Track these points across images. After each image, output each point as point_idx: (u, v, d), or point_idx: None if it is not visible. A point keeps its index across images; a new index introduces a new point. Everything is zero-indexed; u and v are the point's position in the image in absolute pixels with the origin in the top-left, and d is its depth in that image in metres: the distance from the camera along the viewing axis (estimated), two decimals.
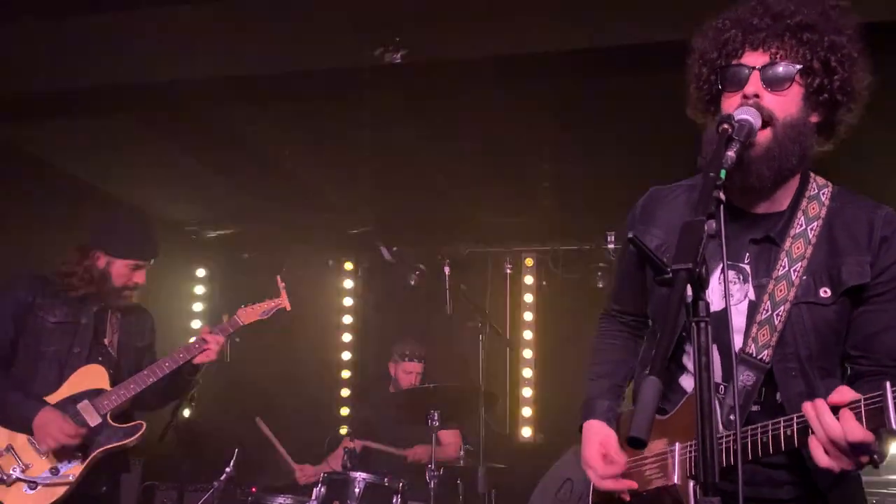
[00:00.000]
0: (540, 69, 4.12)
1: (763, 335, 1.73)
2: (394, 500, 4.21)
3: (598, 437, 1.94)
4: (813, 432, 1.51)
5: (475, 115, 4.53)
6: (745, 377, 1.71)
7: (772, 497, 1.75)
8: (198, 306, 6.69)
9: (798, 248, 1.76)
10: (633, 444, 1.11)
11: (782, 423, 1.58)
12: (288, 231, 6.31)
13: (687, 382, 1.86)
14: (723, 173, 1.48)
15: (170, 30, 3.83)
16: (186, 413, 6.19)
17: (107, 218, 3.44)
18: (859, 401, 1.48)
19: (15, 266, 3.51)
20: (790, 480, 1.74)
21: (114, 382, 3.22)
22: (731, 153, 1.55)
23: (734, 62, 1.76)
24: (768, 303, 1.75)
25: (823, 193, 1.83)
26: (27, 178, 5.11)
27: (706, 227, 1.31)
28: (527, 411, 5.98)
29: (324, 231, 6.35)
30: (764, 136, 1.68)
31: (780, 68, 1.72)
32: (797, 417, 1.56)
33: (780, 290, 1.74)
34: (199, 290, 6.74)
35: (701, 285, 1.26)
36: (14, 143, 4.84)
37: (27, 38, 3.99)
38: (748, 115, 1.65)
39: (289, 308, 3.66)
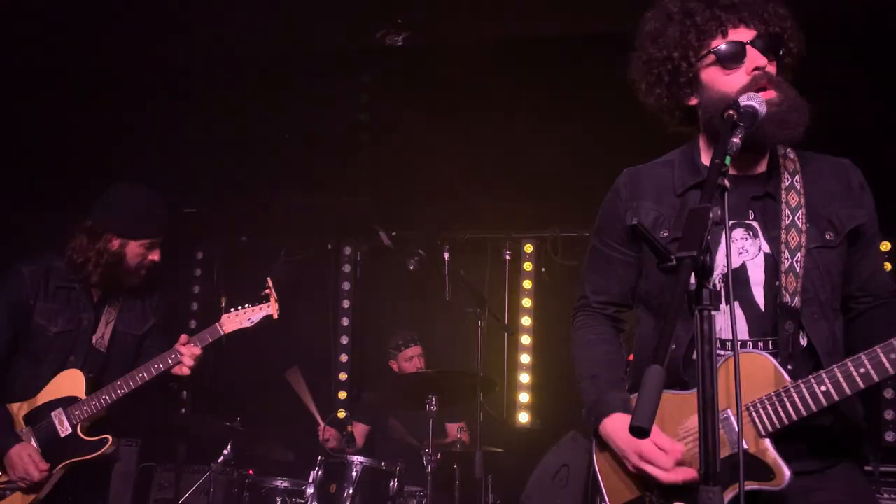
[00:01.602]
0: (541, 54, 4.10)
1: (791, 283, 1.80)
2: (391, 484, 4.22)
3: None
4: None
5: (476, 99, 4.51)
6: (788, 326, 1.78)
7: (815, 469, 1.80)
8: (196, 289, 6.67)
9: (793, 198, 1.86)
10: (635, 433, 1.10)
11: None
12: (287, 214, 6.29)
13: None
14: (728, 160, 1.48)
15: (171, 7, 3.79)
16: (183, 395, 6.22)
17: (114, 197, 3.28)
18: None
19: (14, 244, 3.42)
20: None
21: (96, 385, 3.16)
22: (736, 140, 1.55)
23: (726, 39, 1.82)
24: (787, 252, 1.81)
25: (789, 152, 1.95)
26: (25, 154, 5.08)
27: (712, 215, 1.30)
28: (524, 397, 5.98)
29: (323, 215, 6.33)
30: (778, 98, 1.77)
31: (769, 40, 1.82)
32: None
33: (793, 239, 1.82)
34: (198, 272, 6.72)
35: (705, 273, 1.25)
36: (11, 119, 4.80)
37: (26, 14, 3.94)
38: (753, 101, 1.67)
39: (276, 317, 3.40)
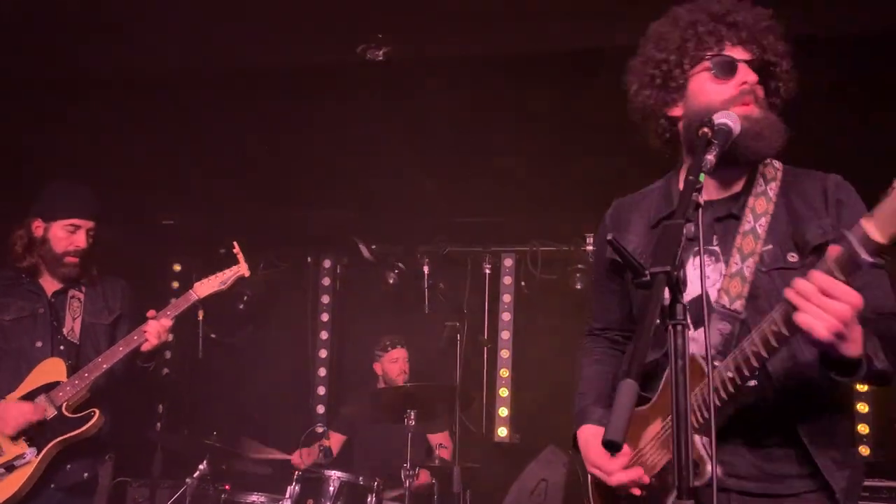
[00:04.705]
0: (520, 70, 4.13)
1: (734, 286, 1.78)
2: (369, 500, 4.20)
3: (599, 439, 1.90)
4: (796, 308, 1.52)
5: (457, 113, 4.52)
6: (721, 326, 1.76)
7: (779, 493, 1.74)
8: (173, 301, 6.61)
9: (760, 205, 1.85)
10: (608, 447, 1.11)
11: (765, 323, 1.61)
12: (266, 227, 6.27)
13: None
14: (702, 177, 1.49)
15: (148, 19, 3.77)
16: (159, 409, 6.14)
17: (43, 188, 3.37)
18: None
19: None
20: (795, 473, 1.74)
21: (74, 372, 3.15)
22: (710, 157, 1.57)
23: (724, 52, 1.85)
24: (737, 256, 1.80)
25: (778, 170, 1.92)
26: None
27: (685, 231, 1.32)
28: (503, 411, 5.98)
29: (303, 228, 6.31)
30: (759, 114, 1.80)
31: (762, 65, 1.85)
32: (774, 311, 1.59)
33: (748, 244, 1.80)
34: (175, 284, 6.68)
35: (679, 288, 1.26)
36: None
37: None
38: (728, 119, 1.69)
39: (247, 275, 3.41)
